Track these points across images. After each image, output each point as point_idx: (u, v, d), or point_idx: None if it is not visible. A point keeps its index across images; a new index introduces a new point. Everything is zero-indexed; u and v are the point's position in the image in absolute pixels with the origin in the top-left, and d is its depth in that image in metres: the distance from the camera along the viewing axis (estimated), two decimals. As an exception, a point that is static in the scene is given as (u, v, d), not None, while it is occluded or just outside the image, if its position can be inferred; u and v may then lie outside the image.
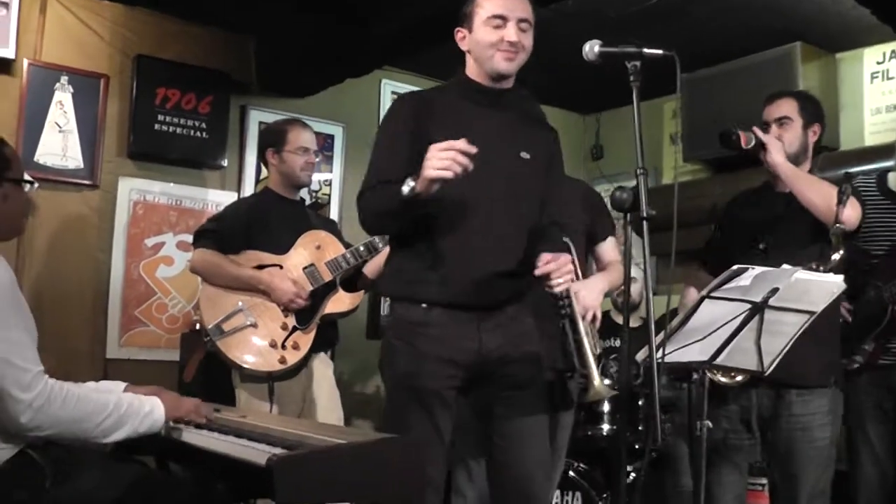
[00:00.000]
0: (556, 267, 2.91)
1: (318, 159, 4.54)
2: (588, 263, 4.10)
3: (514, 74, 3.17)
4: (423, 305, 3.05)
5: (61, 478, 2.59)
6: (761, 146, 3.56)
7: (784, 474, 3.57)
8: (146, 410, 2.75)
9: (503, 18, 3.05)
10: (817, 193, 3.48)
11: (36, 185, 2.93)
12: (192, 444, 2.75)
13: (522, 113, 3.30)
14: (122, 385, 3.05)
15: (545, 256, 2.93)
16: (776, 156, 3.53)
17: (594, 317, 3.78)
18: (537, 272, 2.91)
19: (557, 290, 2.95)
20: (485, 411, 3.17)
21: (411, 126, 3.10)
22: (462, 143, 2.78)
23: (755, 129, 3.60)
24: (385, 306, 6.12)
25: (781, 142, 3.61)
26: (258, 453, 2.32)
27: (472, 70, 3.19)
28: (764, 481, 3.06)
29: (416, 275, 3.07)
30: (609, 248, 4.07)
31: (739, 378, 3.45)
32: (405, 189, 2.84)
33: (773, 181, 3.75)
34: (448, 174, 2.77)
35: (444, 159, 2.76)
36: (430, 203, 2.89)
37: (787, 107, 3.71)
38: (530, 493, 3.16)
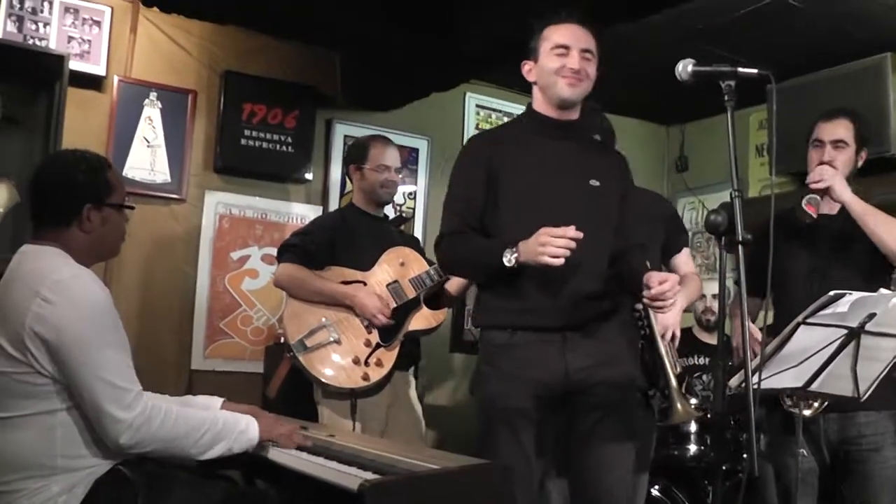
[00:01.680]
0: (670, 287, 2.92)
1: (400, 176, 4.55)
2: None
3: (580, 104, 3.28)
4: (508, 330, 3.13)
5: (153, 495, 2.61)
6: (824, 191, 3.52)
7: (859, 500, 3.50)
8: (241, 428, 2.77)
9: (566, 48, 3.19)
10: (887, 230, 3.42)
11: (135, 209, 2.97)
12: (281, 463, 2.76)
13: (589, 142, 3.43)
14: (219, 401, 3.08)
15: (656, 276, 2.95)
16: (845, 193, 3.48)
17: (673, 335, 3.75)
18: (651, 293, 2.94)
19: (666, 311, 2.95)
20: (568, 431, 3.18)
21: (484, 167, 3.21)
22: (572, 231, 2.89)
23: (812, 184, 3.54)
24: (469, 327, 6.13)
25: (836, 167, 3.55)
26: (349, 478, 2.31)
27: (538, 102, 3.30)
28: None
29: (500, 304, 3.17)
30: (684, 260, 4.04)
31: (815, 406, 3.39)
32: (507, 261, 2.98)
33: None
34: (560, 262, 2.89)
35: (559, 247, 2.88)
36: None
37: (843, 130, 3.66)
38: None
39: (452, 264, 3.36)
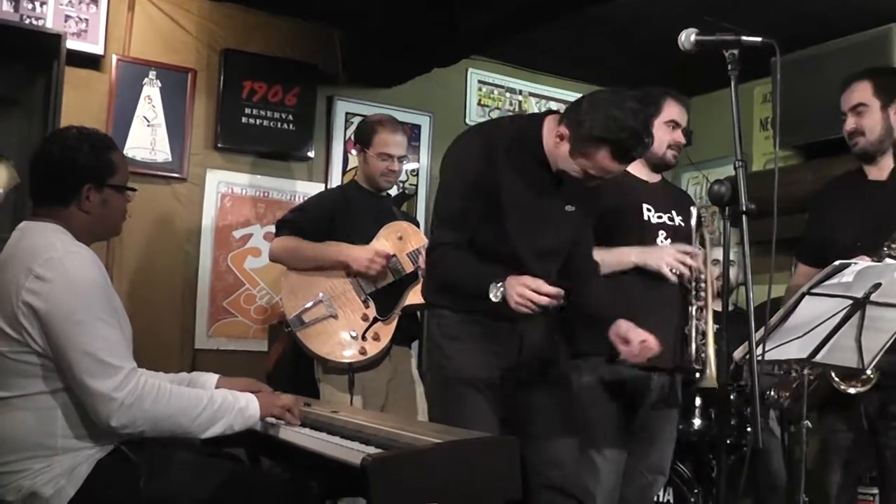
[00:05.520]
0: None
1: (404, 163, 4.47)
2: None
3: None
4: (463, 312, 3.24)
5: (155, 475, 2.59)
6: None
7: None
8: (241, 406, 2.72)
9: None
10: None
11: (136, 191, 2.93)
12: (285, 440, 2.75)
13: None
14: (214, 377, 3.06)
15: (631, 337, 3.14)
16: None
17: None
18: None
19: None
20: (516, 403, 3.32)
21: (482, 175, 3.16)
22: (555, 290, 2.95)
23: None
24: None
25: (864, 133, 3.52)
26: (352, 453, 2.31)
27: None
28: (875, 491, 2.96)
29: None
30: None
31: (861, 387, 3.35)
32: (494, 296, 2.99)
33: (865, 168, 3.64)
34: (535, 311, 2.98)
35: (541, 300, 2.94)
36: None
37: (860, 92, 3.59)
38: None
39: (439, 280, 3.31)
